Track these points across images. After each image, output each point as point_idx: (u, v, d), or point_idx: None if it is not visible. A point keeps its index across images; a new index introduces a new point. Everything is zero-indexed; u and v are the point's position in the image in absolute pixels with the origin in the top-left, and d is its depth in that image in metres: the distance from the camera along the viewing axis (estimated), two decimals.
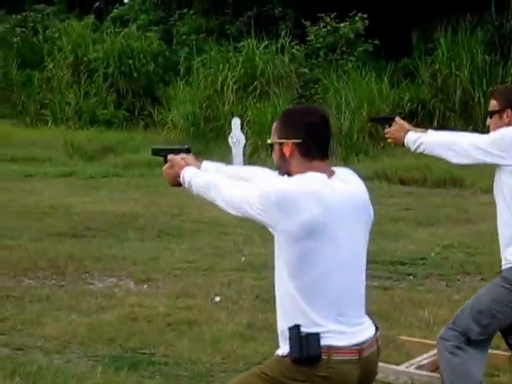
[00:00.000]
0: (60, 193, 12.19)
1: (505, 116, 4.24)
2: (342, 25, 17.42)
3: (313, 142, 2.97)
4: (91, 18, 22.34)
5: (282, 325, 2.93)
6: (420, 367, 5.14)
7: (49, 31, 21.91)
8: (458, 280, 7.50)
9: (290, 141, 2.98)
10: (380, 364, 5.10)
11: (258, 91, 16.89)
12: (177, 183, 3.38)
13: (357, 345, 2.90)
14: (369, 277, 7.42)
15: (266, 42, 17.65)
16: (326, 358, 2.84)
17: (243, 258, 8.18)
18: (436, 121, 14.89)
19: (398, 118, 4.54)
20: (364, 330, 2.97)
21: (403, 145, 4.45)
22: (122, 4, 25.41)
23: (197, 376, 5.21)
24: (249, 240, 8.82)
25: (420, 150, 4.37)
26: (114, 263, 8.00)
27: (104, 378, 5.04)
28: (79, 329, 6.01)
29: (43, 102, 20.02)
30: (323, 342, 2.84)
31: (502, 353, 5.16)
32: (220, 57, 17.81)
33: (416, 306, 6.59)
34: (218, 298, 6.80)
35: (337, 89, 16.09)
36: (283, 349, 2.93)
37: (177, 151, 3.51)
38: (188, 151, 3.51)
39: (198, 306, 6.62)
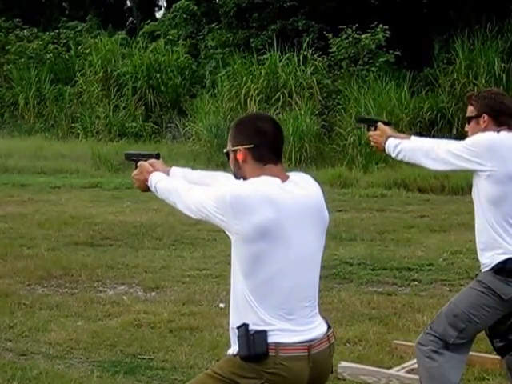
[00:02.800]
0: (84, 203, 12.30)
1: (481, 121, 4.18)
2: (363, 36, 17.37)
3: (264, 146, 3.01)
4: (122, 34, 22.56)
5: (233, 323, 2.96)
6: (411, 371, 5.10)
7: (80, 47, 22.14)
8: (461, 285, 7.41)
9: (243, 147, 3.03)
10: (371, 368, 5.17)
11: (280, 102, 16.91)
12: (145, 188, 3.44)
13: (305, 342, 2.91)
14: (375, 282, 7.56)
15: (289, 54, 17.67)
16: (273, 354, 2.85)
17: None
18: (455, 129, 14.77)
19: (380, 124, 4.51)
20: (314, 329, 2.97)
21: (384, 150, 4.43)
22: (154, 20, 25.65)
23: None
24: None
25: (400, 157, 4.32)
26: (126, 271, 8.06)
27: (100, 383, 5.07)
28: (83, 335, 6.06)
29: (74, 115, 20.23)
30: (271, 340, 2.86)
31: (492, 356, 5.11)
32: (244, 69, 17.86)
33: (416, 310, 6.55)
34: (222, 305, 6.81)
35: (357, 99, 16.06)
36: (233, 348, 2.95)
37: (147, 156, 3.57)
38: (157, 157, 3.57)
39: (202, 312, 6.65)
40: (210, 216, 2.97)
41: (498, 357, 4.79)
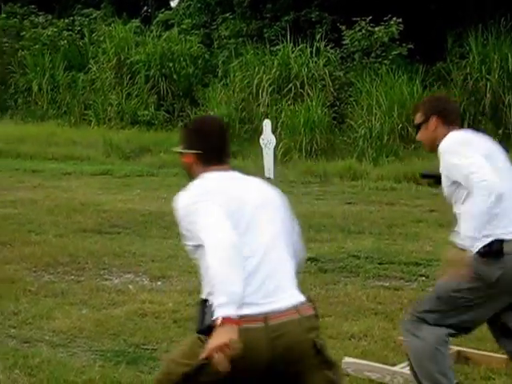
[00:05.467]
0: (93, 190, 12.23)
1: (431, 124, 4.15)
2: (376, 29, 17.20)
3: (210, 151, 3.21)
4: (136, 22, 22.45)
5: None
6: None
7: (94, 35, 22.05)
8: None
9: (190, 151, 3.23)
10: (376, 364, 5.06)
11: (292, 94, 16.79)
12: None
13: (263, 313, 2.89)
14: (382, 277, 7.45)
15: (302, 45, 17.53)
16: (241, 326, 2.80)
17: None
18: (467, 123, 14.59)
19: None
20: (278, 301, 2.94)
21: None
22: (169, 9, 25.53)
23: None
24: None
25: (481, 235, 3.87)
26: (133, 260, 7.98)
27: (102, 372, 4.99)
28: (87, 323, 5.99)
29: (87, 102, 20.14)
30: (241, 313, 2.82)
31: (498, 356, 5.00)
32: (256, 60, 17.74)
33: None
34: None
35: (369, 91, 15.91)
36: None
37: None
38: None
39: None
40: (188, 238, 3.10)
41: (504, 356, 4.68)
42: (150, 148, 16.11)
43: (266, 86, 16.92)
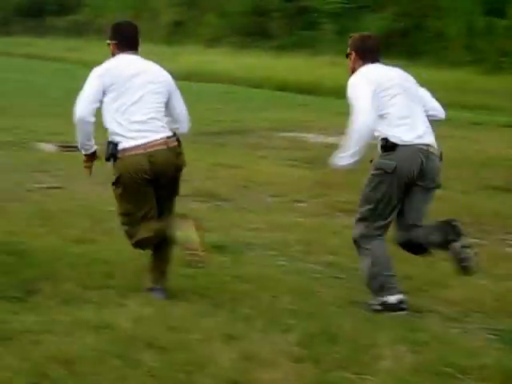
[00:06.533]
0: (505, 144, 11.38)
1: (351, 58, 5.24)
2: None
3: (122, 41, 5.10)
4: None
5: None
6: None
7: None
8: None
9: (111, 42, 5.12)
10: None
11: None
12: None
13: (142, 144, 4.85)
14: None
15: None
16: (120, 155, 4.85)
17: None
18: None
19: None
20: (151, 136, 4.88)
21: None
22: None
23: None
24: None
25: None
26: None
27: (497, 357, 4.31)
28: (485, 296, 5.34)
29: (504, 49, 19.01)
30: (119, 147, 4.86)
31: None
32: None
33: None
34: None
35: None
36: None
37: None
38: None
39: None
40: None
41: None
42: None
43: None
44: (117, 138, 4.86)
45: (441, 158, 5.17)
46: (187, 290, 5.15)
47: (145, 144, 4.83)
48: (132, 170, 4.82)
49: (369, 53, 5.20)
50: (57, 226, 6.74)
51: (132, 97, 4.90)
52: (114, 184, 4.95)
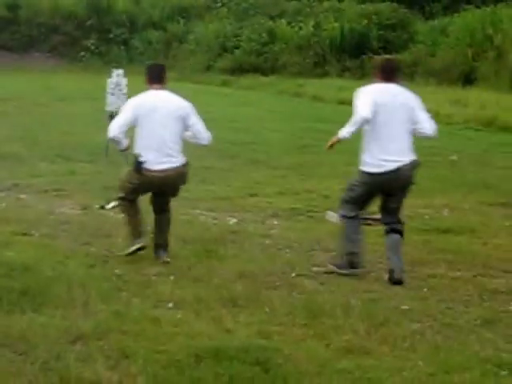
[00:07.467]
0: None
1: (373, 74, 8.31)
2: None
3: (150, 75, 8.44)
4: None
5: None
6: None
7: None
8: None
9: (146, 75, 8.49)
10: None
11: None
12: None
13: (161, 166, 8.18)
14: None
15: None
16: (145, 168, 8.17)
17: None
18: None
19: None
20: (167, 163, 8.18)
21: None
22: None
23: None
24: None
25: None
26: None
27: None
28: None
29: None
30: (144, 166, 8.17)
31: None
32: None
33: None
34: None
35: None
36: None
37: None
38: None
39: None
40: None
41: None
42: None
43: None
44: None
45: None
46: None
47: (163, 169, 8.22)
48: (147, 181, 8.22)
49: (383, 73, 8.02)
50: (324, 327, 6.31)
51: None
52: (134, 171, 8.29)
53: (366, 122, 7.73)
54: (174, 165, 8.16)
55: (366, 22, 34.67)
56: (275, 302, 6.93)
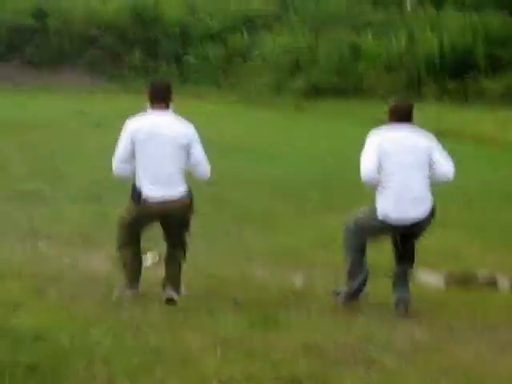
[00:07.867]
0: None
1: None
2: None
3: (151, 96, 9.02)
4: None
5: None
6: None
7: None
8: None
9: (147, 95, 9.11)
10: None
11: None
12: None
13: (159, 197, 8.81)
14: None
15: None
16: (143, 198, 8.85)
17: None
18: None
19: None
20: (166, 195, 8.82)
21: None
22: None
23: None
24: None
25: None
26: None
27: None
28: None
29: None
30: (142, 197, 8.85)
31: None
32: None
33: None
34: None
35: None
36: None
37: None
38: None
39: None
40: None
41: None
42: None
43: None
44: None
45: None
46: None
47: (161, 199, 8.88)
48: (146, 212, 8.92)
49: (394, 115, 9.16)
50: None
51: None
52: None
53: (373, 180, 8.95)
54: (174, 196, 8.77)
55: (470, 35, 34.45)
56: (347, 382, 6.85)
